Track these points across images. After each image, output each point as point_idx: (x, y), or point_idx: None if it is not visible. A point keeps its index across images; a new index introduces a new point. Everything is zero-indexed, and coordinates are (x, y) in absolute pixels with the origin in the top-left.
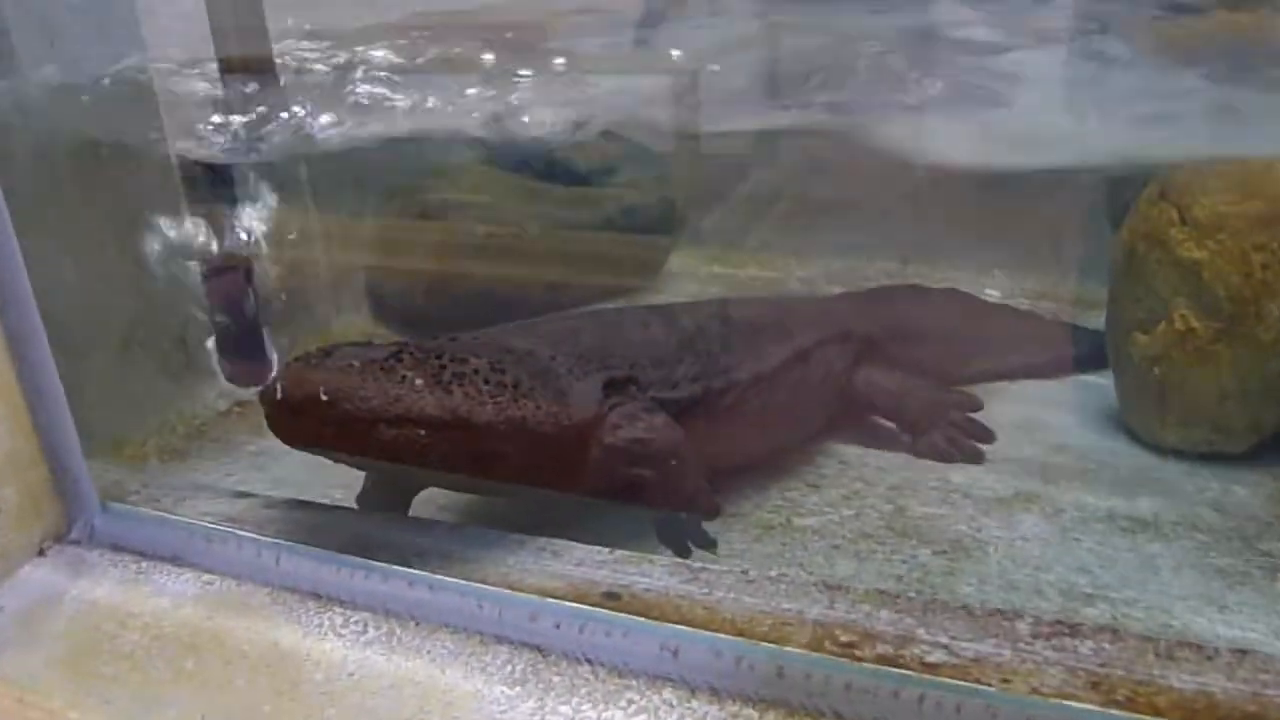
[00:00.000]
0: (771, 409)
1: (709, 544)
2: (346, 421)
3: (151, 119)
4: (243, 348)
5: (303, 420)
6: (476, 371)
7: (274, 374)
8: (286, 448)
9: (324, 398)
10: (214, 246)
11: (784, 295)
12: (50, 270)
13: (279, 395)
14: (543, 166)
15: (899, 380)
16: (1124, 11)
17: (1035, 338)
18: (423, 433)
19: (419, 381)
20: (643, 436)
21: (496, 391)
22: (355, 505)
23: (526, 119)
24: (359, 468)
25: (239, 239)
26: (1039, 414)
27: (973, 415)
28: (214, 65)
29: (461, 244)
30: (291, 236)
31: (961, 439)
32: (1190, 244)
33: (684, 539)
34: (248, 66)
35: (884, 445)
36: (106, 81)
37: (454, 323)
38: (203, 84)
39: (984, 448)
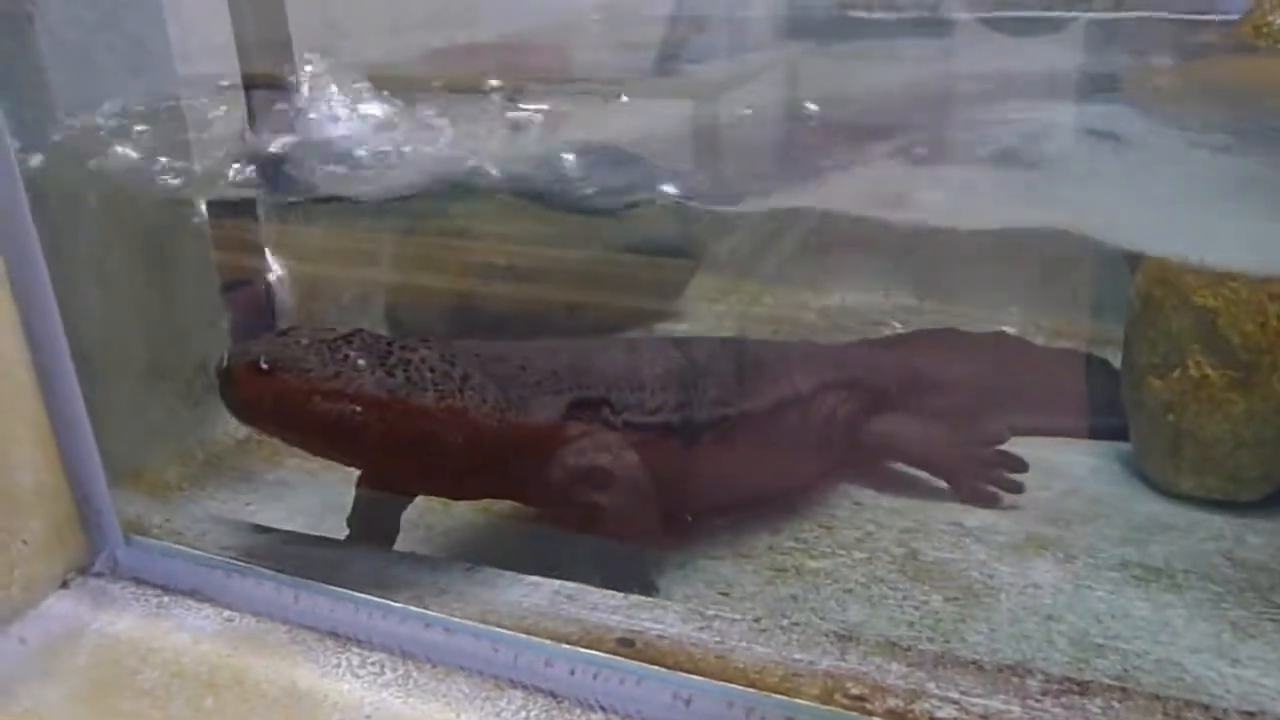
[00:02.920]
0: (758, 450)
1: (648, 588)
2: (285, 393)
3: (180, 151)
4: None
5: (245, 389)
6: (424, 360)
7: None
8: (304, 477)
9: (264, 366)
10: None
11: (796, 341)
12: (78, 302)
13: (224, 363)
14: (563, 193)
15: (918, 428)
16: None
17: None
18: (359, 409)
19: (361, 360)
20: (599, 464)
21: (441, 380)
22: (346, 526)
23: (546, 146)
24: (310, 452)
25: (260, 261)
26: (1051, 456)
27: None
28: (242, 98)
29: (481, 269)
30: (312, 261)
31: (999, 476)
32: (1205, 291)
33: (626, 576)
34: (275, 99)
35: (898, 490)
36: (137, 116)
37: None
38: (231, 117)
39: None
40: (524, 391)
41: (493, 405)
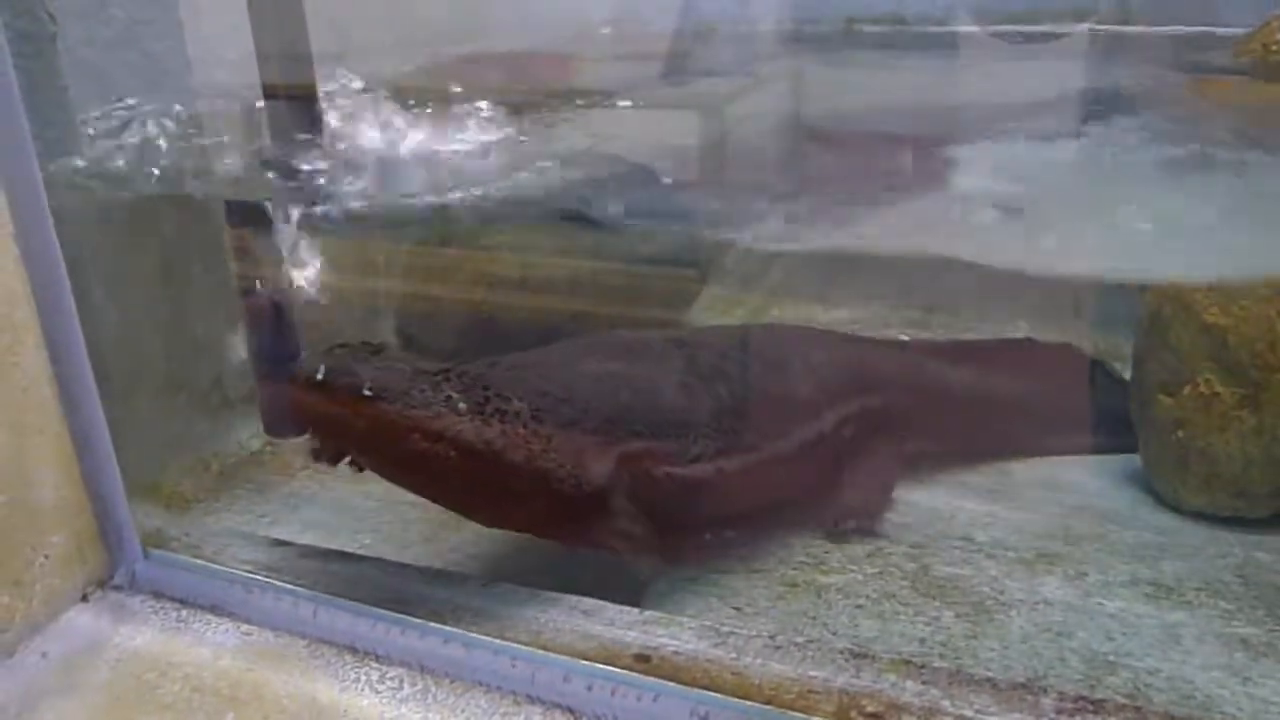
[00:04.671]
0: (778, 487)
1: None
2: (383, 422)
3: (199, 165)
4: (279, 374)
5: (340, 409)
6: (518, 414)
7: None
8: (317, 490)
9: (366, 392)
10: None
11: (834, 336)
12: (99, 317)
13: (318, 375)
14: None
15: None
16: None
17: None
18: (452, 453)
19: (462, 405)
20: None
21: (531, 439)
22: None
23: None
24: (374, 472)
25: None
26: (1060, 473)
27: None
28: (261, 111)
29: (494, 282)
30: (327, 273)
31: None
32: (1215, 309)
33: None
34: (294, 113)
35: (905, 499)
36: (155, 129)
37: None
38: (249, 129)
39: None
40: (583, 443)
41: (568, 472)
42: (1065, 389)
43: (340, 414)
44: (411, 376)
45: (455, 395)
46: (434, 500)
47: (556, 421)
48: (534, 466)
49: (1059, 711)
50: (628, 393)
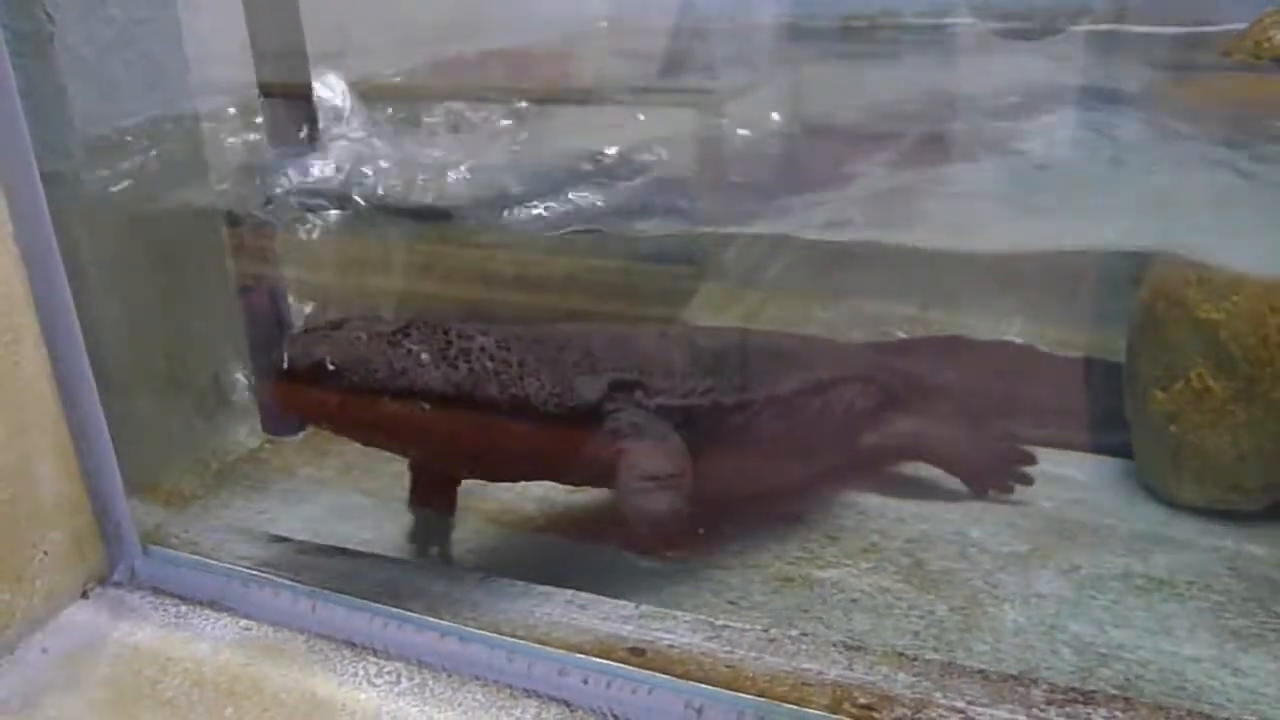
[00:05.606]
0: (783, 435)
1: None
2: (352, 395)
3: (197, 166)
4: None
5: (307, 392)
6: (483, 349)
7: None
8: (316, 487)
9: (329, 367)
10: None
11: (812, 336)
12: (97, 315)
13: (284, 363)
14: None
15: (940, 427)
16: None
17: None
18: (425, 406)
19: (424, 355)
20: (646, 466)
21: (501, 369)
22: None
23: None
24: (365, 444)
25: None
26: (1053, 468)
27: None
28: (258, 113)
29: (489, 278)
30: (324, 271)
31: (1014, 470)
32: (1208, 304)
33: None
34: (291, 114)
35: (903, 496)
36: (155, 130)
37: None
38: (247, 131)
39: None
40: (567, 373)
41: (549, 391)
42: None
43: (311, 397)
44: (370, 342)
45: (415, 348)
46: (430, 459)
47: (534, 356)
48: (511, 395)
49: (1049, 702)
50: (603, 341)
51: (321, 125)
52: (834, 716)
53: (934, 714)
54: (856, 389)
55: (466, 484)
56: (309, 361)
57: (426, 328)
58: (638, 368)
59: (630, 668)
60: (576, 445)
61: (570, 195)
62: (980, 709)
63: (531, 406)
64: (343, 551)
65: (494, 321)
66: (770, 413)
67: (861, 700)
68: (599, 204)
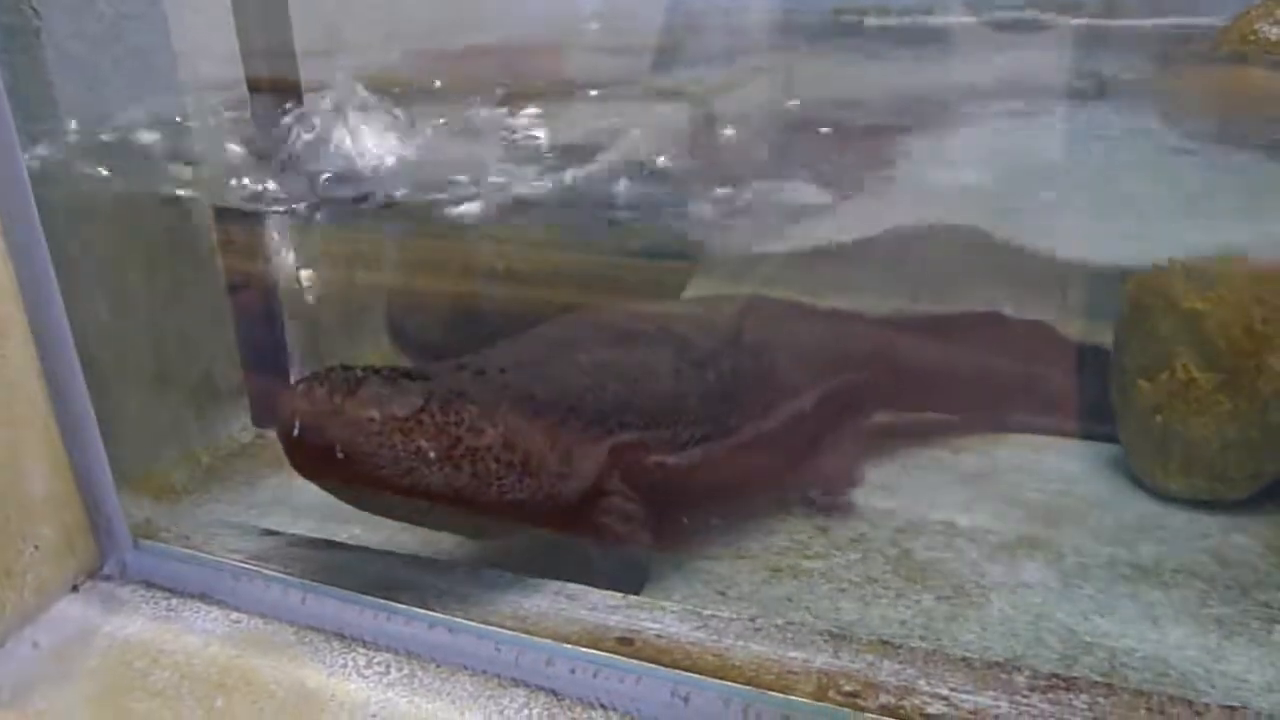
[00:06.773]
0: (764, 465)
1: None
2: (367, 475)
3: (185, 160)
4: (266, 366)
5: (323, 467)
6: (489, 449)
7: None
8: (307, 482)
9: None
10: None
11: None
12: (86, 310)
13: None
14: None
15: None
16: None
17: None
18: (430, 496)
19: (432, 454)
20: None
21: (504, 472)
22: None
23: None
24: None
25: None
26: (1040, 458)
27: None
28: (247, 108)
29: (480, 272)
30: (314, 266)
31: None
32: (1193, 295)
33: (622, 579)
34: (279, 109)
35: (889, 482)
36: (142, 126)
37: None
38: (235, 126)
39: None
40: (570, 442)
41: (547, 490)
42: (1037, 365)
43: (314, 468)
44: (380, 429)
45: (425, 445)
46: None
47: (541, 433)
48: (508, 500)
49: (1032, 689)
50: (617, 384)
51: (313, 121)
52: (819, 704)
53: (918, 701)
54: (844, 396)
55: None
56: (319, 442)
57: (444, 405)
58: (643, 423)
59: (618, 657)
60: (564, 523)
61: (549, 184)
62: (964, 695)
63: (526, 507)
64: (332, 545)
65: (493, 323)
66: (756, 448)
67: (847, 688)
68: (582, 196)
